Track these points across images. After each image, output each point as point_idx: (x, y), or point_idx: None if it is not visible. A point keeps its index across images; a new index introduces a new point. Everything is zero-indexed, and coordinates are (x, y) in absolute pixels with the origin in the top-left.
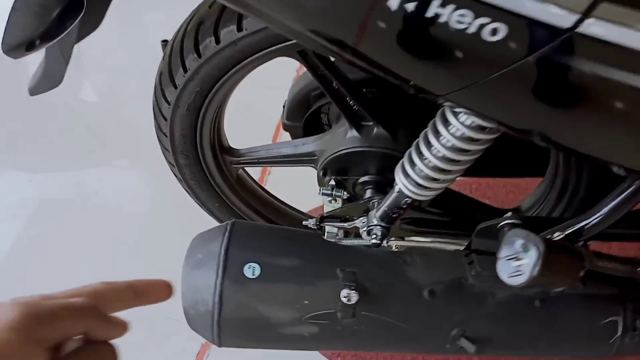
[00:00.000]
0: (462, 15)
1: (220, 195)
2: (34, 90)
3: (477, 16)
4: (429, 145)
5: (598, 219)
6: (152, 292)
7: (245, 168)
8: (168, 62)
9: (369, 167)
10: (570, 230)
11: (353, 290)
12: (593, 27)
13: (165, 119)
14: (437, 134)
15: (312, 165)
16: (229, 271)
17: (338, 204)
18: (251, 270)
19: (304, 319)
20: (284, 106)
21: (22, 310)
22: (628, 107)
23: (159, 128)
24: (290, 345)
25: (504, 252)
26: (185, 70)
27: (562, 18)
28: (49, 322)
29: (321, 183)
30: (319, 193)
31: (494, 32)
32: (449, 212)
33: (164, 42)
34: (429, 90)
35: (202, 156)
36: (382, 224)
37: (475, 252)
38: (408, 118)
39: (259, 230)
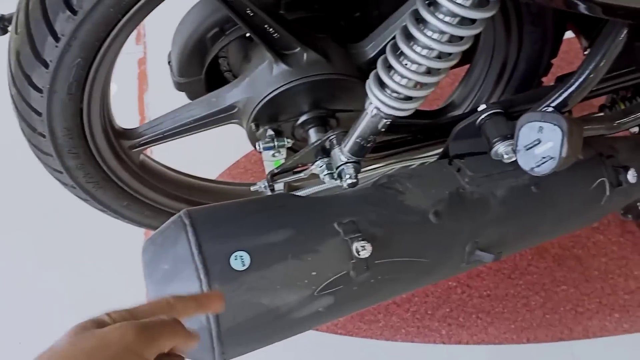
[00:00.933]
0: None
1: (127, 191)
2: None
3: None
4: (411, 40)
5: (583, 81)
6: (211, 300)
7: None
8: (26, 35)
9: (308, 102)
10: (557, 102)
11: (362, 240)
12: None
13: (39, 114)
14: (421, 23)
15: (235, 121)
16: (212, 271)
17: (282, 155)
18: (239, 260)
19: (317, 293)
20: (169, 62)
21: (134, 332)
22: None
23: (31, 130)
24: (305, 328)
25: (521, 142)
26: (56, 39)
27: None
28: (155, 341)
29: (255, 137)
30: (258, 149)
31: None
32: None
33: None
34: None
35: (95, 149)
36: (354, 159)
37: (458, 157)
38: (330, 28)
39: (222, 213)
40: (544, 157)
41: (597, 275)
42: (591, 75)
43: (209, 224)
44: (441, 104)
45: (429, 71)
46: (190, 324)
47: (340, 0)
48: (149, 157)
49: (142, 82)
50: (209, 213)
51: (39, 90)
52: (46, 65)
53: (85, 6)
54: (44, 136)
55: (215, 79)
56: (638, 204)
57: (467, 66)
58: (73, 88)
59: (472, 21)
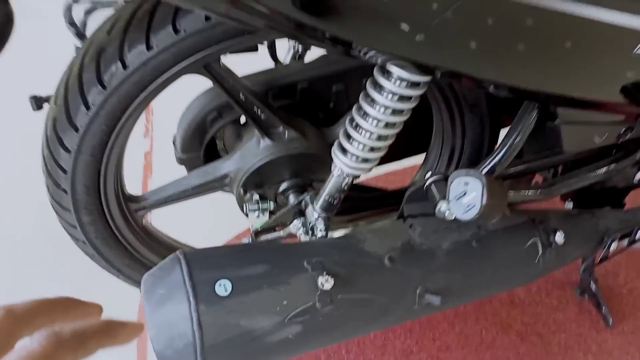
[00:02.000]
0: None
1: (130, 250)
2: None
3: None
4: (364, 115)
5: (503, 152)
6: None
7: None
8: (63, 104)
9: (288, 171)
10: (485, 170)
11: (327, 275)
12: None
13: (65, 172)
14: (372, 102)
15: (226, 188)
16: (200, 295)
17: (265, 216)
18: (222, 287)
19: (287, 320)
20: (174, 142)
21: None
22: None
23: (55, 185)
24: (278, 353)
25: (452, 193)
26: (87, 108)
27: None
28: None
29: (242, 201)
30: (244, 211)
31: None
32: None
33: (34, 97)
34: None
35: (107, 208)
36: (324, 215)
37: (411, 216)
38: (309, 115)
39: (212, 252)
40: (469, 205)
41: (557, 351)
42: (510, 149)
43: (199, 259)
44: (406, 185)
45: (379, 138)
46: (175, 344)
47: (318, 94)
48: (151, 224)
49: (147, 171)
50: (200, 251)
51: (68, 151)
52: (77, 130)
53: (114, 83)
54: (66, 192)
55: (211, 155)
56: (592, 285)
57: (424, 154)
58: (96, 151)
59: (409, 98)
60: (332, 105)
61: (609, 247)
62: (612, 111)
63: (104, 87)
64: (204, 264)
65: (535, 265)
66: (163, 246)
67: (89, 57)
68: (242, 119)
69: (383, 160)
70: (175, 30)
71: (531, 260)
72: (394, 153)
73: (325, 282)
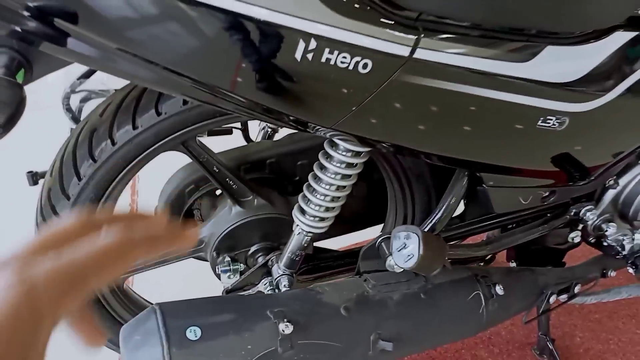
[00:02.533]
0: (344, 57)
1: (111, 314)
2: None
3: (352, 56)
4: (319, 181)
5: (440, 213)
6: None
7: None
8: (58, 176)
9: (257, 235)
10: (426, 228)
11: (287, 322)
12: (423, 54)
13: None
14: (323, 169)
15: (201, 253)
16: (172, 340)
17: (236, 277)
18: (193, 333)
19: None
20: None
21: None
22: (457, 109)
23: None
24: None
25: (394, 246)
26: (79, 179)
27: (402, 49)
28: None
29: (215, 263)
30: (217, 272)
31: (365, 66)
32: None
33: (30, 173)
34: (320, 124)
35: None
36: (288, 272)
37: (366, 272)
38: (277, 186)
39: (185, 303)
40: (409, 255)
41: None
42: (446, 210)
43: (173, 308)
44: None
45: (332, 199)
46: None
47: (285, 168)
48: (130, 287)
49: None
50: (174, 303)
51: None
52: (68, 198)
53: (103, 157)
54: None
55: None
56: (549, 345)
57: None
58: None
59: (354, 165)
60: (297, 177)
61: (548, 301)
62: (533, 176)
63: (94, 160)
64: (176, 313)
65: (480, 316)
66: (139, 308)
67: (82, 135)
68: (218, 191)
69: (347, 230)
70: (158, 113)
71: (475, 311)
72: (356, 223)
73: (286, 328)
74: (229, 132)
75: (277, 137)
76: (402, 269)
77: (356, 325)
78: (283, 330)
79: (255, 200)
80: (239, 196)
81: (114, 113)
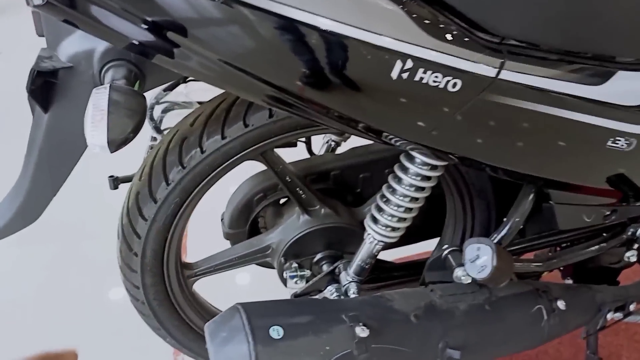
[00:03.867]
0: (436, 76)
1: (179, 313)
2: (1, 234)
3: (444, 75)
4: (393, 191)
5: (507, 229)
6: None
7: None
8: (147, 180)
9: (323, 243)
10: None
11: (363, 326)
12: (508, 75)
13: (140, 237)
14: (398, 181)
15: (268, 258)
16: (257, 337)
17: (302, 283)
18: (276, 331)
19: None
20: (222, 219)
21: None
22: (536, 128)
23: (128, 249)
24: None
25: (467, 257)
26: (167, 183)
27: (489, 70)
28: None
29: (282, 269)
30: (283, 277)
31: (454, 85)
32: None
33: (112, 177)
34: (405, 138)
35: (167, 273)
36: (356, 279)
37: (431, 283)
38: (340, 197)
39: (265, 303)
40: (482, 267)
41: None
42: (512, 227)
43: (255, 308)
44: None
45: (405, 210)
46: None
47: (348, 180)
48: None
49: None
50: (254, 303)
51: (145, 219)
52: (155, 202)
53: (192, 164)
54: (136, 255)
55: (252, 233)
56: None
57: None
58: (167, 220)
59: (429, 178)
60: (359, 190)
61: (605, 317)
62: (596, 194)
63: (183, 167)
64: (259, 313)
65: (542, 329)
66: (206, 311)
67: (173, 143)
68: (282, 201)
69: (402, 243)
70: (245, 124)
71: (537, 324)
72: (411, 236)
73: (362, 332)
74: (294, 144)
75: (339, 150)
76: (469, 281)
77: (425, 333)
78: (360, 334)
79: (322, 209)
80: (307, 205)
81: (204, 123)
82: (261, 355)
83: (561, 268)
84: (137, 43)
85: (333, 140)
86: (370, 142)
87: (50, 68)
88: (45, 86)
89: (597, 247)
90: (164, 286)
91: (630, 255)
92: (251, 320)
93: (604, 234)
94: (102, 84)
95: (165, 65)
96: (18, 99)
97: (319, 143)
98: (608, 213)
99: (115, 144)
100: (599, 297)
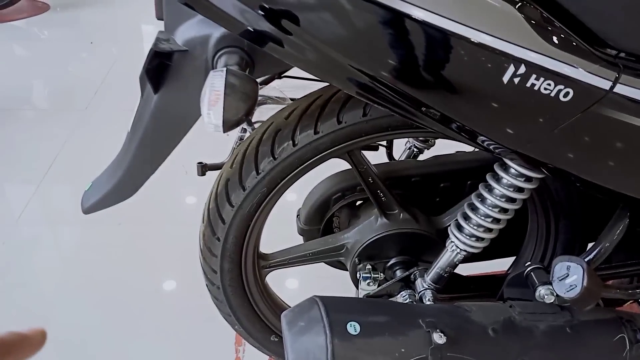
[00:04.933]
0: (548, 83)
1: (251, 302)
2: (96, 207)
3: (556, 84)
4: (483, 200)
5: (596, 252)
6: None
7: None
8: (239, 168)
9: (398, 248)
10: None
11: (440, 332)
12: (622, 89)
13: (224, 222)
14: (489, 190)
15: (340, 257)
16: (335, 331)
17: (374, 285)
18: (353, 327)
19: None
20: (298, 215)
21: None
22: None
23: (212, 234)
24: None
25: (556, 274)
26: (258, 173)
27: (603, 82)
28: None
29: (355, 270)
30: (357, 277)
31: (566, 94)
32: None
33: (200, 163)
34: (507, 145)
35: (244, 260)
36: (433, 287)
37: (510, 299)
38: (418, 204)
39: (343, 299)
40: (571, 286)
41: None
42: (601, 251)
43: (333, 302)
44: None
45: (493, 221)
46: None
47: (428, 188)
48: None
49: None
50: (332, 297)
51: (232, 206)
52: (244, 189)
53: (283, 155)
54: (219, 240)
55: (326, 232)
56: None
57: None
58: (253, 208)
59: (522, 190)
60: (438, 199)
61: None
62: None
63: (274, 158)
64: (337, 307)
65: (623, 359)
66: (275, 304)
67: (267, 135)
68: (358, 203)
69: (479, 258)
70: (338, 121)
71: (619, 354)
72: (488, 253)
73: (439, 338)
74: (375, 148)
75: (420, 157)
76: (551, 300)
77: (503, 348)
78: (437, 340)
79: (401, 214)
80: (386, 208)
81: (299, 117)
82: (337, 349)
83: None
84: (252, 30)
85: (416, 147)
86: (453, 152)
87: (167, 49)
88: (159, 67)
89: None
90: (240, 273)
91: None
92: (329, 313)
93: None
94: (214, 68)
95: (275, 54)
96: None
97: (400, 149)
98: None
99: (230, 124)
100: None
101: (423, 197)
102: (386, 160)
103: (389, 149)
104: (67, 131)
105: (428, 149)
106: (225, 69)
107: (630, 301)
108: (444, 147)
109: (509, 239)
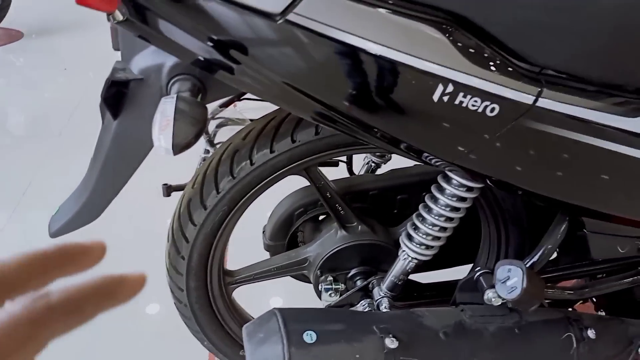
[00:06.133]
0: (475, 100)
1: (218, 318)
2: (62, 231)
3: (482, 100)
4: (429, 210)
5: (538, 255)
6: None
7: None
8: (200, 188)
9: (358, 258)
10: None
11: (393, 337)
12: (545, 103)
13: (188, 241)
14: (434, 200)
15: (304, 270)
16: (291, 340)
17: (336, 296)
18: (309, 336)
19: None
20: (264, 231)
21: None
22: (572, 156)
23: (176, 252)
24: None
25: (498, 277)
26: (218, 192)
27: (526, 98)
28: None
29: (318, 282)
30: (319, 289)
31: (492, 110)
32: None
33: (165, 185)
34: (444, 158)
35: (209, 278)
36: (389, 295)
37: (462, 303)
38: (377, 216)
39: (301, 310)
40: (512, 288)
41: None
42: (544, 253)
43: (291, 313)
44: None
45: (440, 229)
46: None
47: (385, 201)
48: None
49: None
50: (291, 309)
51: (194, 225)
52: (205, 208)
53: (241, 175)
54: (183, 258)
55: (291, 246)
56: None
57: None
58: (215, 226)
59: (464, 199)
60: (396, 210)
61: (637, 351)
62: (631, 225)
63: (233, 177)
64: (294, 318)
65: (571, 357)
66: (243, 318)
67: (225, 155)
68: (321, 217)
69: (437, 266)
70: (293, 140)
71: (566, 352)
72: (446, 261)
73: (392, 343)
74: (336, 164)
75: (378, 171)
76: (499, 302)
77: (453, 350)
78: (390, 345)
79: (359, 226)
80: (345, 221)
81: (255, 137)
82: (294, 357)
83: (594, 299)
84: (202, 59)
85: (373, 162)
86: (409, 164)
87: (123, 79)
88: (117, 95)
89: (630, 279)
90: (206, 290)
91: None
92: (287, 323)
93: (639, 268)
94: (168, 95)
95: (226, 80)
96: (80, 109)
97: (359, 164)
98: None
99: (179, 147)
100: (631, 330)
101: (381, 209)
102: (347, 175)
103: (349, 164)
104: (41, 157)
105: (385, 163)
106: (175, 95)
107: (581, 301)
108: (401, 160)
109: (465, 247)
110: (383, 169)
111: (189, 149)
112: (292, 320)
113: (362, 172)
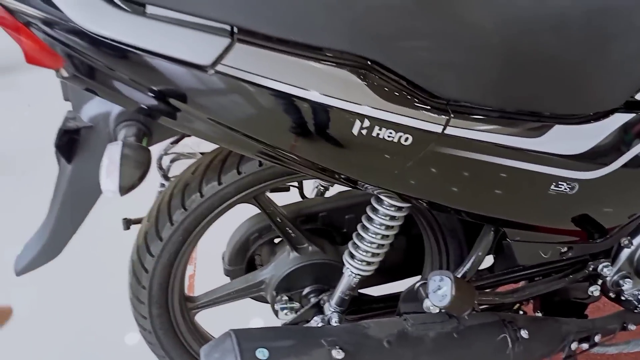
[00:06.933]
0: (390, 132)
1: (182, 342)
2: (27, 268)
3: (396, 131)
4: (366, 230)
5: (470, 264)
6: None
7: None
8: (155, 221)
9: (311, 277)
10: (458, 275)
11: (339, 349)
12: (453, 131)
13: (147, 272)
14: (370, 220)
15: (262, 292)
16: (245, 358)
17: (292, 313)
18: (262, 353)
19: None
20: (222, 257)
21: None
22: (480, 174)
23: (137, 283)
24: None
25: (431, 288)
26: (172, 224)
27: (435, 127)
28: None
29: (274, 301)
30: (275, 309)
31: (406, 139)
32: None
33: (125, 219)
34: (369, 183)
35: (171, 304)
36: (338, 310)
37: (406, 313)
38: (328, 236)
39: (255, 330)
40: (443, 296)
41: None
42: (474, 262)
43: (245, 333)
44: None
45: (378, 246)
46: None
47: (335, 221)
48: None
49: (190, 290)
50: (246, 329)
51: (152, 256)
52: (161, 240)
53: (193, 206)
54: (144, 288)
55: (249, 269)
56: None
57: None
58: (172, 256)
59: (396, 217)
60: (345, 229)
61: (570, 348)
62: (550, 233)
63: (185, 209)
64: (248, 337)
65: (507, 357)
66: (206, 341)
67: (177, 189)
68: (276, 240)
69: (388, 280)
70: (239, 172)
71: (502, 353)
72: (396, 274)
73: (337, 354)
74: (287, 189)
75: (328, 194)
76: (437, 310)
77: (396, 357)
78: (336, 356)
79: (310, 247)
80: (297, 243)
81: (203, 171)
82: None
83: (532, 301)
84: (145, 107)
85: (322, 185)
86: None
87: (74, 127)
88: (69, 142)
89: (559, 281)
90: (168, 317)
91: (594, 290)
92: (240, 343)
93: (567, 270)
94: (116, 140)
95: (168, 125)
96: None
97: (310, 187)
98: (564, 250)
99: (125, 190)
100: (564, 328)
101: (331, 230)
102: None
103: (300, 188)
104: (5, 196)
105: (332, 186)
106: (121, 141)
107: (521, 304)
108: None
109: (412, 260)
110: (332, 192)
111: (134, 189)
112: (245, 339)
113: (313, 196)
